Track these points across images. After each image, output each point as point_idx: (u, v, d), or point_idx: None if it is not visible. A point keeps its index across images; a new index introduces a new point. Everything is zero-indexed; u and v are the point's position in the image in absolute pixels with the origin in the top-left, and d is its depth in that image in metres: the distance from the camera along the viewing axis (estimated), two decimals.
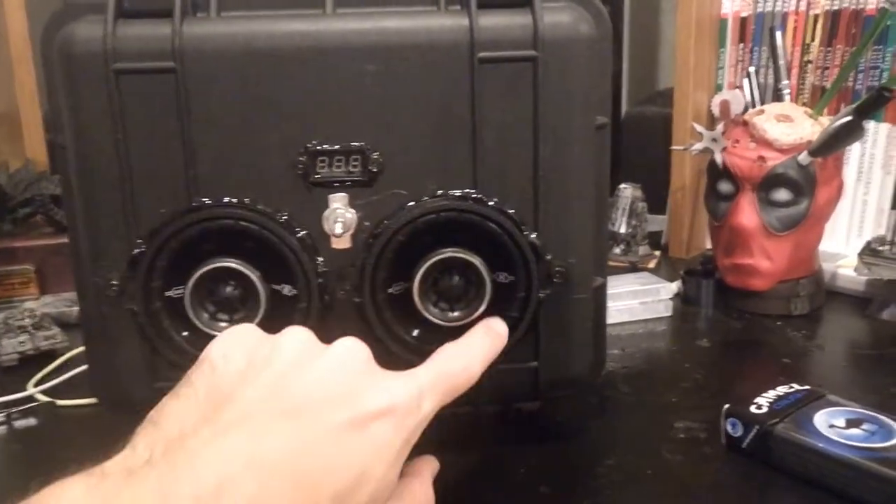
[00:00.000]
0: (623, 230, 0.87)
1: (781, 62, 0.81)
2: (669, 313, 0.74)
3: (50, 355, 0.66)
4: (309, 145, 0.44)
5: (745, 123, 0.73)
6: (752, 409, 0.50)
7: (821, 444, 0.45)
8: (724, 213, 0.74)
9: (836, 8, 0.85)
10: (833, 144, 0.69)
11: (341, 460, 0.28)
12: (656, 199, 0.92)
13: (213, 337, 0.45)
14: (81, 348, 0.65)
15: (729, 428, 0.50)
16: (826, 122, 0.70)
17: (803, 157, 0.70)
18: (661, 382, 0.62)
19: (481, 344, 0.38)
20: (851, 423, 0.47)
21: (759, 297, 0.74)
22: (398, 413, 0.30)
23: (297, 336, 0.33)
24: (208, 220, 0.44)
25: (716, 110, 0.88)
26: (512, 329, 0.46)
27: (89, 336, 0.48)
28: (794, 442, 0.46)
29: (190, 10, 0.43)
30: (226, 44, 0.42)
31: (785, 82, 0.80)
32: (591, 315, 0.49)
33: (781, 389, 0.52)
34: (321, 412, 0.29)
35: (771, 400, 0.50)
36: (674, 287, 0.77)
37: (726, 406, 0.50)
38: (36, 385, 0.62)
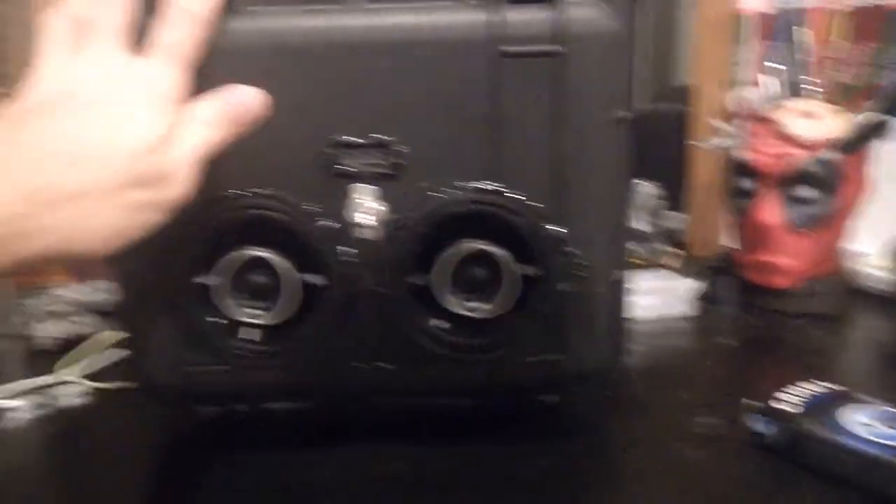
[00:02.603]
0: (641, 228, 0.87)
1: (803, 58, 0.80)
2: (689, 311, 0.74)
3: (84, 340, 0.68)
4: (335, 138, 0.45)
5: (767, 119, 0.73)
6: (778, 405, 0.49)
7: (848, 442, 0.45)
8: (746, 210, 0.73)
9: (858, 4, 0.84)
10: (857, 141, 0.69)
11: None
12: (674, 197, 0.92)
13: (242, 324, 0.47)
14: (114, 333, 0.67)
15: (753, 424, 0.49)
16: (849, 119, 0.70)
17: (827, 154, 0.70)
18: (682, 379, 0.62)
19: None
20: (879, 421, 0.47)
21: (782, 294, 0.73)
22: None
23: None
24: (237, 209, 0.45)
25: (735, 107, 0.88)
26: (533, 321, 0.47)
27: (124, 322, 0.49)
28: (820, 438, 0.46)
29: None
30: (251, 39, 0.43)
31: (807, 78, 0.80)
32: (610, 308, 0.50)
33: (807, 386, 0.51)
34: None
35: (796, 396, 0.50)
36: (694, 284, 0.77)
37: (750, 402, 0.50)
38: (73, 369, 0.63)
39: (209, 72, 0.41)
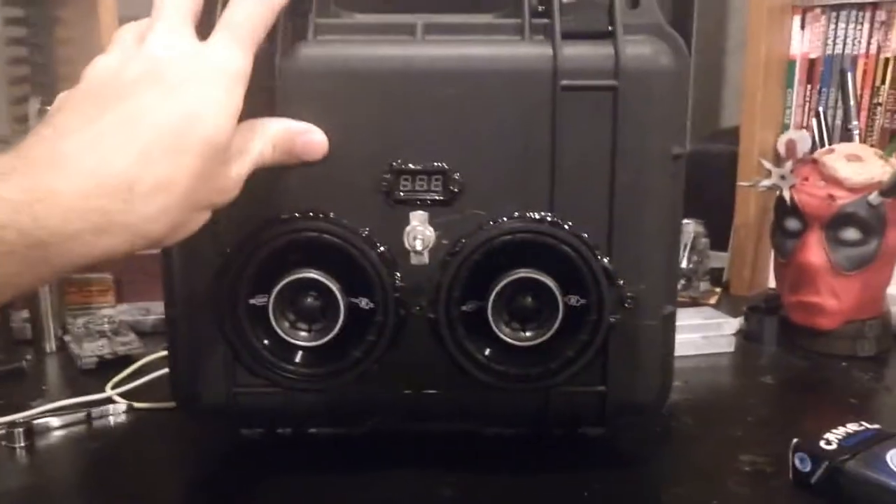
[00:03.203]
0: (685, 265, 0.87)
1: (852, 103, 0.80)
2: (732, 349, 0.74)
3: (126, 360, 0.69)
4: (394, 164, 0.45)
5: (815, 162, 0.73)
6: (822, 444, 0.49)
7: (892, 482, 0.44)
8: (791, 251, 0.73)
9: None
10: None
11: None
12: (716, 236, 0.92)
13: (293, 346, 0.47)
14: (156, 354, 0.68)
15: (797, 463, 0.49)
16: (894, 164, 0.70)
17: (874, 198, 0.69)
18: (725, 416, 0.61)
19: None
20: None
21: (825, 336, 0.73)
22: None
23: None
24: (294, 232, 0.45)
25: (782, 149, 0.88)
26: (582, 352, 0.47)
27: (174, 341, 0.50)
28: (865, 479, 0.46)
29: (290, 35, 0.45)
30: (321, 65, 0.44)
31: (854, 123, 0.80)
32: (660, 342, 0.49)
33: (851, 427, 0.51)
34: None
35: (841, 437, 0.50)
36: (737, 323, 0.76)
37: (795, 440, 0.50)
38: (113, 388, 0.64)
39: (278, 92, 0.42)
